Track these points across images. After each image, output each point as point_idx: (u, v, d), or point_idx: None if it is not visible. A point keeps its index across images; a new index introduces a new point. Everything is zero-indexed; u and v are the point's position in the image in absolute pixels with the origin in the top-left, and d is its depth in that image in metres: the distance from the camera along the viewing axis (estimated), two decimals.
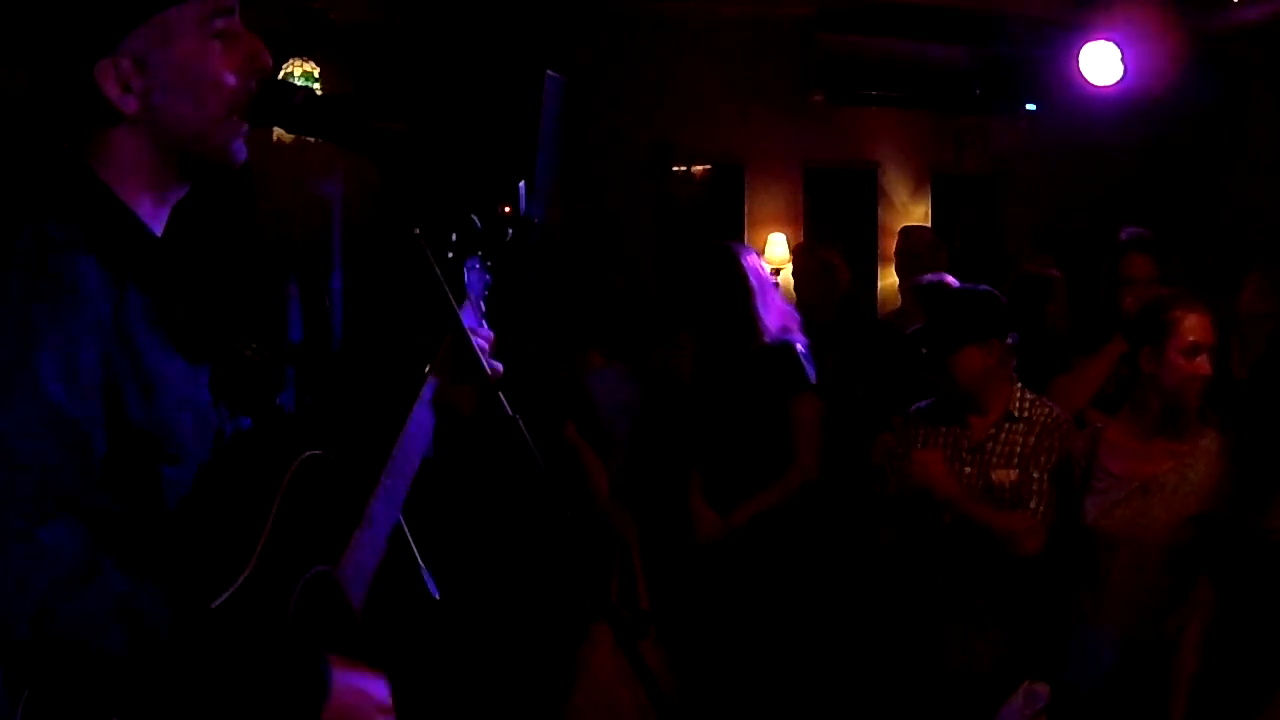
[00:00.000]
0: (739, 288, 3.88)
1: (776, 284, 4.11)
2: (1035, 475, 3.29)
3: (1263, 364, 3.70)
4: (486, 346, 1.87)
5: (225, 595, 1.43)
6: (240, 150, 1.57)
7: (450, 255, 1.91)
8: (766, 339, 3.87)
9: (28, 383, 1.32)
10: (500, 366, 1.85)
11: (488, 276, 2.04)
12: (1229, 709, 2.75)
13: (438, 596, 1.84)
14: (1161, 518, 3.02)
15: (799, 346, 3.88)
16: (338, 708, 1.46)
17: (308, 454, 1.57)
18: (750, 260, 4.00)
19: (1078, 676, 3.12)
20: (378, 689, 1.55)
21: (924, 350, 3.45)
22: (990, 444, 3.38)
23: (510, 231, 1.96)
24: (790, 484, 3.80)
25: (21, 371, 1.32)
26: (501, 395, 1.71)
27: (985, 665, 3.33)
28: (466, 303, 1.97)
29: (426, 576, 1.85)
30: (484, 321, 2.00)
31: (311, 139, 1.66)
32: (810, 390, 3.84)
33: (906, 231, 6.46)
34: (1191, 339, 3.03)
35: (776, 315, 3.92)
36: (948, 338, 3.36)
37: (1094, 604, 3.11)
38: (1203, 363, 3.03)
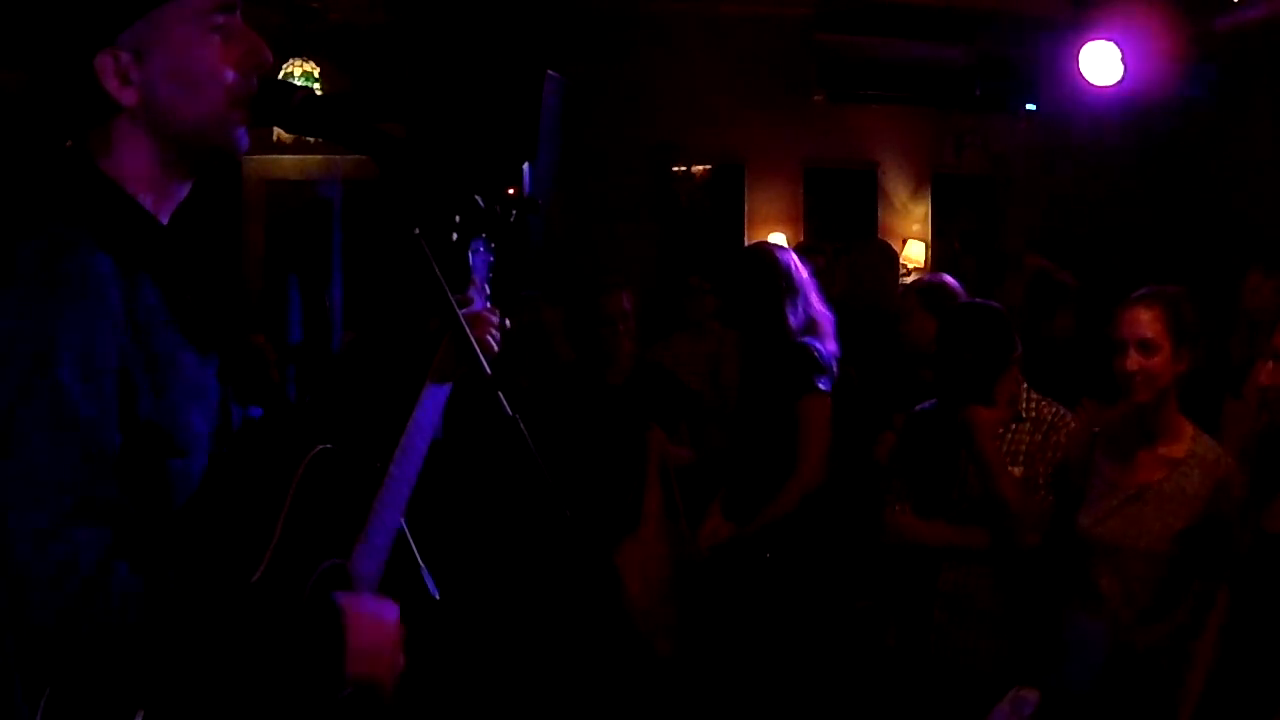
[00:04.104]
0: (770, 287, 3.88)
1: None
2: (1041, 470, 3.29)
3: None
4: (497, 325, 1.88)
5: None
6: (243, 139, 1.57)
7: (455, 237, 1.90)
8: (787, 339, 3.87)
9: (49, 387, 1.33)
10: (499, 335, 1.87)
11: (491, 257, 2.03)
12: (1240, 716, 2.72)
13: (438, 597, 1.84)
14: (1154, 528, 2.99)
15: (819, 350, 3.85)
16: (360, 641, 1.49)
17: (319, 448, 1.58)
18: (788, 260, 3.98)
19: (1069, 680, 3.11)
20: (390, 614, 1.59)
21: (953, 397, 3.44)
22: (997, 444, 3.38)
23: (514, 213, 1.95)
24: (790, 495, 3.78)
25: (42, 376, 1.33)
26: (501, 395, 1.72)
27: (985, 665, 3.33)
28: (472, 287, 1.97)
29: (426, 576, 1.85)
30: (490, 304, 2.00)
31: (311, 139, 1.66)
32: (816, 393, 3.81)
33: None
34: (1114, 336, 3.02)
35: (801, 317, 3.90)
36: (973, 389, 3.35)
37: (1085, 609, 3.10)
38: (1133, 359, 2.99)
